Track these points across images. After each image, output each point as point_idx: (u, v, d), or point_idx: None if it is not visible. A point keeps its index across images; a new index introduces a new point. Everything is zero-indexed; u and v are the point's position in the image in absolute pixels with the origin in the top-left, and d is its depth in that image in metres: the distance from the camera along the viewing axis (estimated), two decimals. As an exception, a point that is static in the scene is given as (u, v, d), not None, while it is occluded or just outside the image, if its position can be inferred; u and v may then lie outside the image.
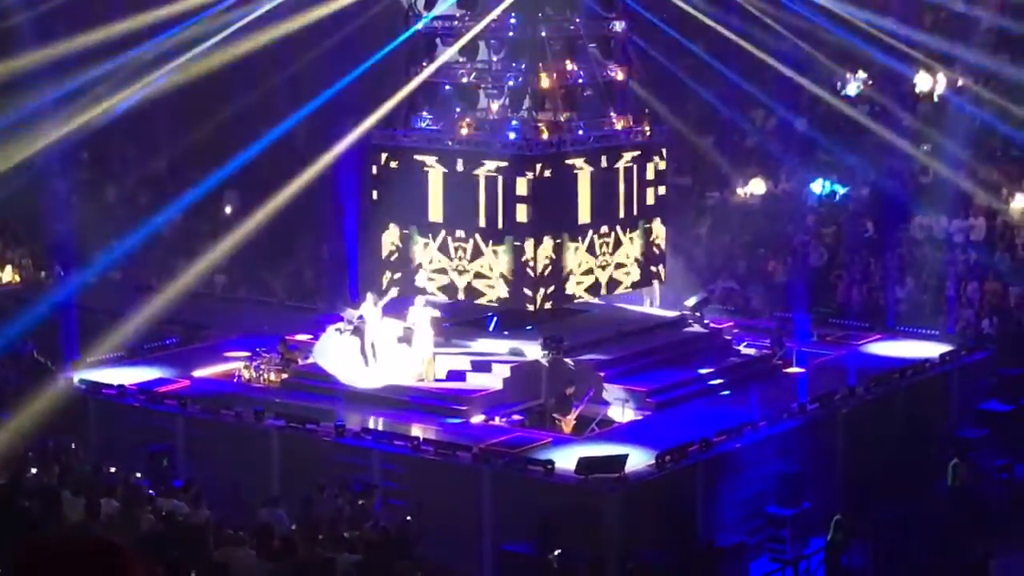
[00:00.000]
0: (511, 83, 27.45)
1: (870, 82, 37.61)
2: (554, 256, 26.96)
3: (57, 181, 37.13)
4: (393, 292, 27.34)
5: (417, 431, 23.98)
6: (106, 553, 4.85)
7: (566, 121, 27.46)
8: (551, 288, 27.02)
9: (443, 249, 27.57)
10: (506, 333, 27.16)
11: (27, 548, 4.90)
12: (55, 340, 29.03)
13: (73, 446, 24.18)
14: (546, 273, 26.88)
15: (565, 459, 22.11)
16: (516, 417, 25.08)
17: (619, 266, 28.25)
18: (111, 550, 4.88)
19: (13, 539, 13.34)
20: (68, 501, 18.78)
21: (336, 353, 26.65)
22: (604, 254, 27.91)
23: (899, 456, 25.21)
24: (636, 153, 28.31)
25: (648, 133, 28.55)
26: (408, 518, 20.59)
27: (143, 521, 18.38)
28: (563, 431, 24.34)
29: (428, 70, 27.93)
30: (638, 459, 22.21)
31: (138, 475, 21.79)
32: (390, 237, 28.17)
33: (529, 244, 26.70)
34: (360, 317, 26.36)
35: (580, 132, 27.72)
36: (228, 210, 37.73)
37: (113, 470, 22.14)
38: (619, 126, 28.22)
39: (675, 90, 35.70)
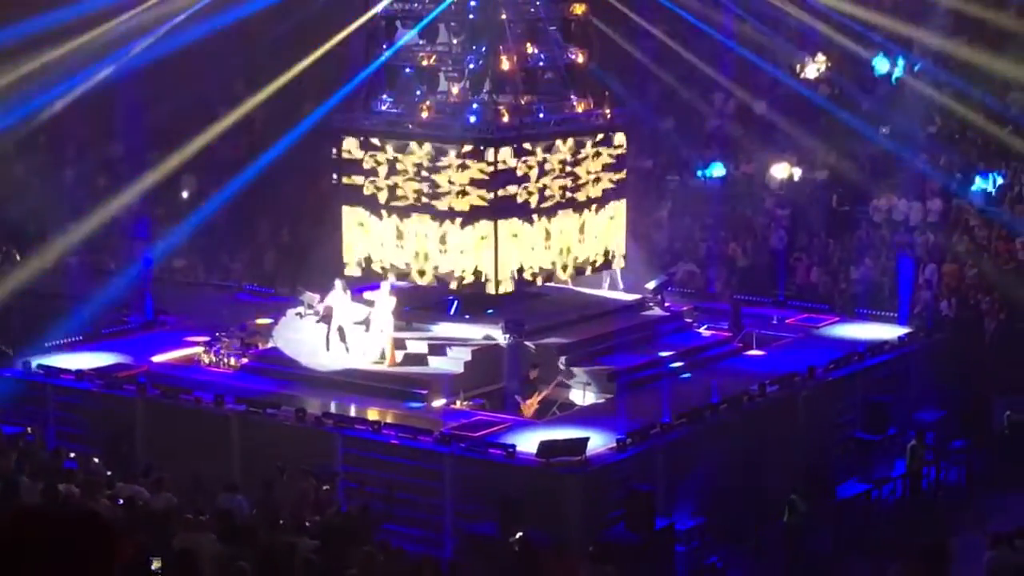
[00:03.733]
0: (471, 66, 27.37)
1: (829, 64, 37.66)
2: (515, 239, 26.93)
3: (14, 165, 36.81)
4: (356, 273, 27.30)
5: (378, 415, 23.95)
6: (94, 526, 4.76)
7: (527, 104, 27.43)
8: (512, 271, 27.00)
9: (404, 232, 27.49)
10: (467, 317, 27.13)
11: (11, 515, 4.78)
12: (12, 325, 28.77)
13: (30, 431, 24.02)
14: (507, 256, 26.85)
15: (526, 442, 22.14)
16: (477, 400, 25.07)
17: (580, 249, 28.25)
18: (99, 523, 4.79)
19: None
20: (26, 487, 18.68)
21: (297, 337, 26.59)
22: (565, 237, 27.91)
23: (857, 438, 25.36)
24: (597, 136, 28.32)
25: (609, 116, 28.57)
26: (367, 503, 20.57)
27: (102, 507, 18.29)
28: (523, 415, 24.34)
29: (388, 53, 27.83)
30: (599, 442, 22.26)
31: (96, 460, 21.66)
32: (351, 221, 28.07)
33: (490, 227, 26.67)
34: (321, 300, 26.29)
35: (541, 115, 27.68)
36: (185, 194, 37.50)
37: (72, 455, 22.02)
38: (580, 109, 28.21)
39: (636, 73, 35.68)
